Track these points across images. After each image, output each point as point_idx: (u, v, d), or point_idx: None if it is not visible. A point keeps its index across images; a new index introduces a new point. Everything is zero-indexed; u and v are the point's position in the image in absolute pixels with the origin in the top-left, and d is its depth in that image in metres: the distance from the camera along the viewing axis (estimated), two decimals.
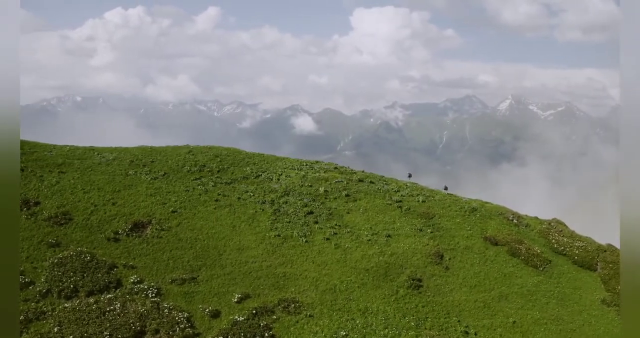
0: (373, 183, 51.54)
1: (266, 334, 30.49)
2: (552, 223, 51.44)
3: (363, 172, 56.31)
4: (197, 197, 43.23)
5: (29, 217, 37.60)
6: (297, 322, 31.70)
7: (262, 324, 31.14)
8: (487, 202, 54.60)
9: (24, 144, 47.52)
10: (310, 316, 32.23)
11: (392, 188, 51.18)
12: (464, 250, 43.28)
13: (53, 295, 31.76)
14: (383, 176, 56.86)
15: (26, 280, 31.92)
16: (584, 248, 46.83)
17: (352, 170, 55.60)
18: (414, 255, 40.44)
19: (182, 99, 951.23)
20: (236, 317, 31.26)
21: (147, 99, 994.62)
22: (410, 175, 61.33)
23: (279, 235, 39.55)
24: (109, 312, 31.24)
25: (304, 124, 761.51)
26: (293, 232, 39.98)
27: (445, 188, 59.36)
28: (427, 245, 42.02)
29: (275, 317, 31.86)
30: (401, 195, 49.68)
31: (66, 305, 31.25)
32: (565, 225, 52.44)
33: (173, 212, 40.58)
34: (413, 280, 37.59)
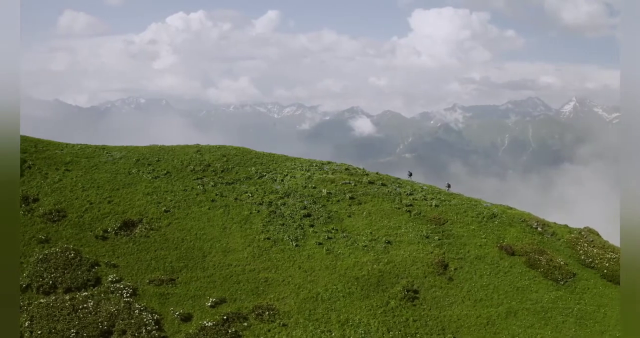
0: (385, 185, 48.74)
1: None
2: (582, 233, 46.47)
3: (377, 173, 53.54)
4: (194, 197, 42.39)
5: (26, 213, 38.09)
6: (269, 330, 29.89)
7: (230, 331, 29.69)
8: (510, 208, 50.29)
9: (37, 142, 48.65)
10: (284, 325, 30.30)
11: (405, 192, 48.14)
12: (474, 260, 39.71)
13: (32, 290, 31.90)
14: (398, 178, 53.83)
15: None
16: (615, 261, 41.80)
17: (364, 171, 53.00)
18: (414, 264, 37.45)
19: (243, 101, 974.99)
20: (205, 322, 29.81)
21: (209, 100, 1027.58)
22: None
23: (268, 238, 37.88)
24: (81, 309, 31.05)
25: (363, 126, 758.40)
26: (284, 236, 38.18)
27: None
28: (430, 254, 38.85)
29: (246, 324, 30.27)
30: (413, 199, 46.59)
31: (42, 300, 31.22)
32: (598, 234, 47.27)
33: (166, 211, 39.92)
34: (408, 291, 34.71)
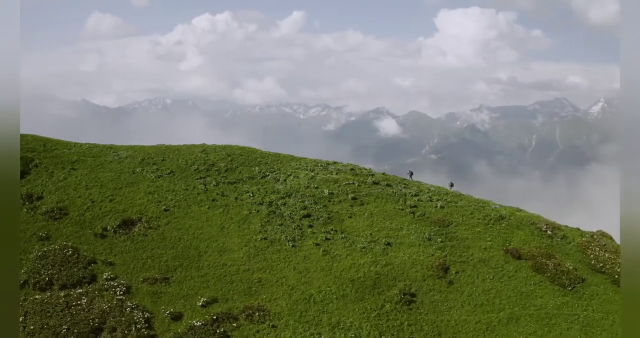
0: (390, 186, 47.88)
1: None
2: (594, 236, 44.73)
3: (384, 174, 52.68)
4: (195, 196, 42.39)
5: (29, 210, 38.67)
6: (258, 331, 29.58)
7: (219, 331, 29.50)
8: (520, 210, 48.83)
9: (46, 141, 49.45)
10: (273, 326, 29.93)
11: (410, 192, 47.19)
12: (478, 264, 38.59)
13: (29, 287, 32.31)
14: (405, 179, 52.85)
15: None
16: None
17: (369, 171, 52.21)
18: (413, 267, 36.59)
19: (269, 102, 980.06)
20: (194, 321, 29.66)
21: (235, 101, 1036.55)
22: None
23: (265, 239, 37.57)
24: (74, 306, 31.48)
25: (388, 126, 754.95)
26: (282, 236, 37.80)
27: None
28: (431, 256, 37.91)
29: (236, 324, 30.01)
30: (418, 200, 45.62)
31: (37, 296, 31.63)
32: (611, 238, 45.44)
33: (165, 210, 40.02)
34: (405, 294, 33.92)
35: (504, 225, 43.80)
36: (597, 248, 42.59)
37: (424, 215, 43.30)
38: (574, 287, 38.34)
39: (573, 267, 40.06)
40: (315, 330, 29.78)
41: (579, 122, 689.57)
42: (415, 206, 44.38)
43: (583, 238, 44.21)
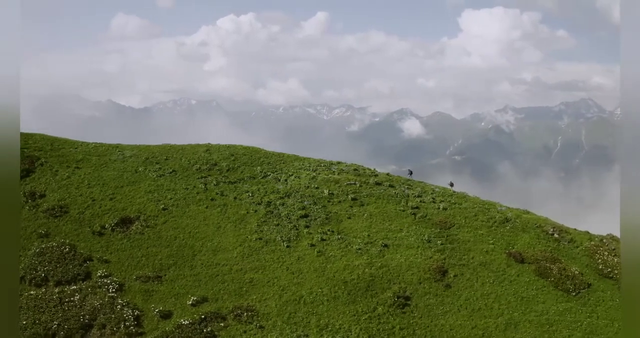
0: (392, 187, 47.13)
1: None
2: (604, 240, 43.16)
3: (388, 175, 51.91)
4: (195, 195, 42.47)
5: (31, 208, 39.30)
6: (245, 332, 29.39)
7: (206, 330, 29.40)
8: (527, 212, 47.50)
9: (53, 140, 50.23)
10: (260, 327, 29.67)
11: (414, 193, 46.34)
12: (478, 267, 37.61)
13: (25, 282, 32.78)
14: (409, 180, 51.99)
15: None
16: None
17: (373, 171, 51.54)
18: (409, 269, 35.85)
19: (292, 103, 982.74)
20: (182, 320, 29.60)
21: (258, 102, 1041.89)
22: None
23: (261, 239, 37.36)
24: (67, 302, 31.88)
25: (412, 127, 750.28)
26: (277, 236, 37.51)
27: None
28: (429, 259, 37.10)
29: (223, 324, 29.88)
30: (420, 202, 44.77)
31: (32, 292, 32.01)
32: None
33: (164, 209, 40.20)
34: (398, 297, 33.23)
35: (508, 227, 42.63)
36: (606, 253, 41.07)
37: (425, 216, 42.45)
38: (579, 292, 37.04)
39: (579, 272, 38.71)
40: (302, 331, 29.39)
41: (605, 123, 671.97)
42: (417, 207, 43.55)
43: (592, 242, 42.71)
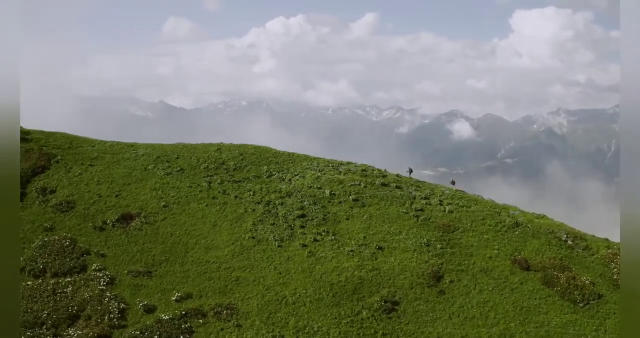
0: (399, 188, 45.87)
1: (182, 337, 28.71)
2: None
3: (397, 175, 50.59)
4: (197, 193, 42.94)
5: (41, 203, 40.85)
6: (222, 329, 29.33)
7: (184, 326, 29.57)
8: (542, 217, 44.98)
9: (72, 139, 52.16)
10: (238, 325, 29.56)
11: (421, 195, 44.91)
12: (478, 273, 35.96)
13: (25, 273, 33.97)
14: (419, 181, 50.44)
15: None
16: None
17: (381, 172, 50.33)
18: (402, 273, 34.71)
19: (342, 104, 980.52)
20: (163, 315, 29.86)
21: (308, 103, 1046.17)
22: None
23: (254, 237, 37.27)
24: (60, 293, 33.02)
25: (462, 129, 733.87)
26: (270, 236, 37.25)
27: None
28: (425, 263, 35.79)
29: (202, 321, 29.95)
30: (426, 204, 43.33)
31: (29, 282, 33.20)
32: None
33: (164, 206, 40.86)
34: (386, 302, 32.22)
35: (517, 233, 40.53)
36: None
37: (428, 219, 41.03)
38: (588, 303, 34.67)
39: (590, 282, 36.25)
40: (279, 332, 28.99)
41: None
42: (421, 209, 42.17)
43: (609, 250, 39.89)
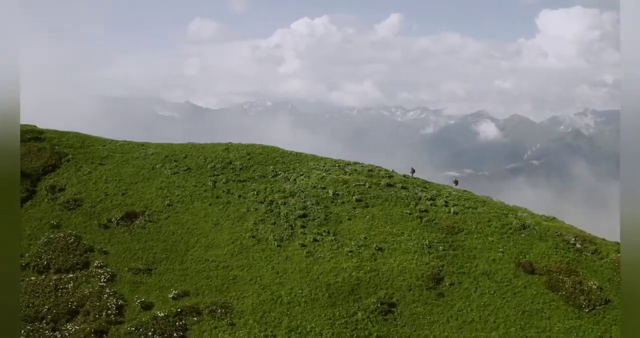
0: (405, 188, 45.34)
1: (175, 334, 29.20)
2: None
3: (404, 176, 50.04)
4: (202, 192, 43.28)
5: (50, 201, 41.79)
6: (216, 327, 29.49)
7: (179, 323, 29.88)
8: (551, 219, 43.88)
9: (85, 138, 53.15)
10: (231, 324, 29.67)
11: (427, 196, 44.32)
12: (480, 276, 35.27)
13: (29, 269, 34.70)
14: (426, 182, 49.79)
15: None
16: None
17: (388, 173, 49.85)
18: (400, 275, 34.28)
19: (367, 105, 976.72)
20: (159, 312, 30.18)
21: (333, 104, 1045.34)
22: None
23: (254, 237, 37.38)
24: (61, 289, 33.72)
25: (488, 130, 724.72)
26: (270, 235, 37.28)
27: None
28: (425, 265, 35.28)
29: (197, 319, 30.19)
30: (431, 205, 42.74)
31: (32, 278, 33.92)
32: None
33: (168, 205, 41.28)
34: (382, 303, 31.87)
35: (523, 235, 39.62)
36: None
37: (432, 220, 40.47)
38: (594, 308, 33.64)
39: (597, 286, 35.19)
40: (271, 332, 28.96)
41: None
42: (425, 211, 41.61)
43: (619, 254, 38.66)
